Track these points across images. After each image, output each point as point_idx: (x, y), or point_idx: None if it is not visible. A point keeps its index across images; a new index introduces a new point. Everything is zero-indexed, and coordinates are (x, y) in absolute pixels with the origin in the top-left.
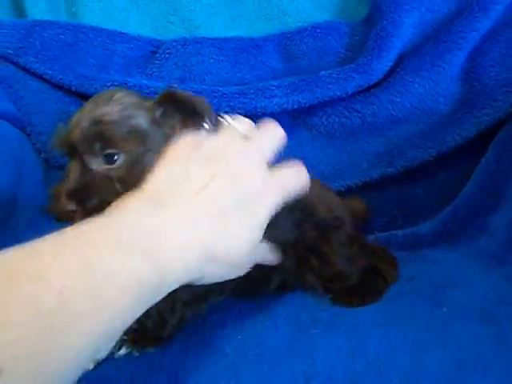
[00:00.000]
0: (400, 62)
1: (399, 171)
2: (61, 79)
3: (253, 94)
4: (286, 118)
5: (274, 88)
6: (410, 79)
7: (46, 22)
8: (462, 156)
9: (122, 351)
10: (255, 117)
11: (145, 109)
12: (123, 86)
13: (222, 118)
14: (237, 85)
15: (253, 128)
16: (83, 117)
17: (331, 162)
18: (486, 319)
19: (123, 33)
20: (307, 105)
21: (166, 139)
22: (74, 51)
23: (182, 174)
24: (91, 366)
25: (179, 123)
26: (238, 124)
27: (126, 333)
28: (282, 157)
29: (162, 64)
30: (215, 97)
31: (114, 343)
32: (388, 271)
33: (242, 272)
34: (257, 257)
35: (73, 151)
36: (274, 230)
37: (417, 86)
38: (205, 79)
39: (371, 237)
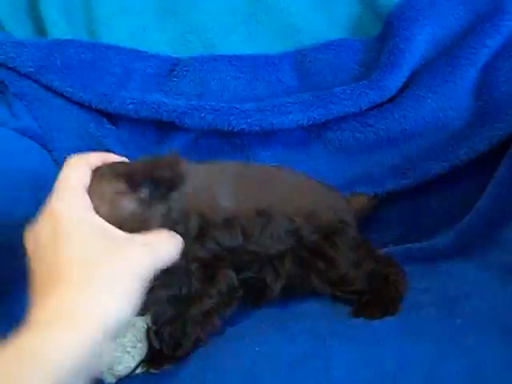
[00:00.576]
0: (413, 77)
1: (413, 184)
2: (81, 97)
3: (269, 110)
4: (300, 133)
5: (289, 104)
6: (423, 94)
7: (66, 40)
8: (476, 170)
9: (139, 370)
10: (272, 133)
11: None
12: (143, 103)
13: None
14: (253, 101)
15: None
16: None
17: (345, 175)
18: (502, 330)
19: (141, 51)
20: (322, 120)
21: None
22: (94, 69)
23: None
24: (113, 381)
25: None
26: None
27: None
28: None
29: (179, 81)
30: (232, 114)
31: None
32: (399, 280)
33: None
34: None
35: None
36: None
37: (429, 100)
38: (222, 96)
39: (386, 250)
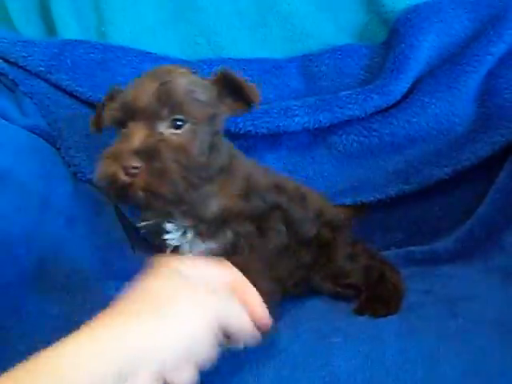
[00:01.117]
0: (417, 83)
1: (416, 188)
2: (90, 96)
3: (276, 113)
4: (306, 137)
5: (295, 108)
6: (427, 100)
7: (76, 41)
8: (477, 175)
9: None
10: (278, 135)
11: (204, 87)
12: None
13: None
14: (260, 104)
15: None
16: (147, 84)
17: (349, 179)
18: (502, 330)
19: (151, 52)
20: (328, 124)
21: (217, 120)
22: (103, 69)
23: None
24: None
25: (230, 105)
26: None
27: None
28: (300, 175)
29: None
30: (239, 116)
31: None
32: (394, 276)
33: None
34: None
35: (136, 115)
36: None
37: (433, 106)
38: None
39: (388, 252)
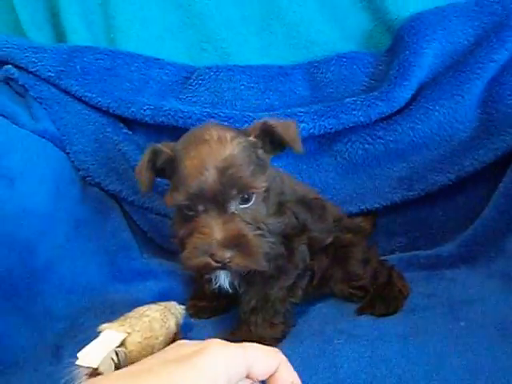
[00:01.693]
0: (421, 90)
1: (420, 195)
2: (99, 101)
3: (281, 119)
4: (312, 145)
5: (301, 114)
6: (431, 107)
7: (86, 47)
8: (480, 180)
9: None
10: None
11: (253, 145)
12: (159, 110)
13: None
14: (266, 110)
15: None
16: (209, 165)
17: (353, 186)
18: (504, 333)
19: (158, 59)
20: (333, 130)
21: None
22: (112, 75)
23: None
24: None
25: (271, 151)
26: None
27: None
28: (306, 183)
29: (195, 89)
30: (245, 122)
31: None
32: (401, 282)
33: None
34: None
35: (206, 201)
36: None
37: (437, 113)
38: (236, 105)
39: (393, 256)
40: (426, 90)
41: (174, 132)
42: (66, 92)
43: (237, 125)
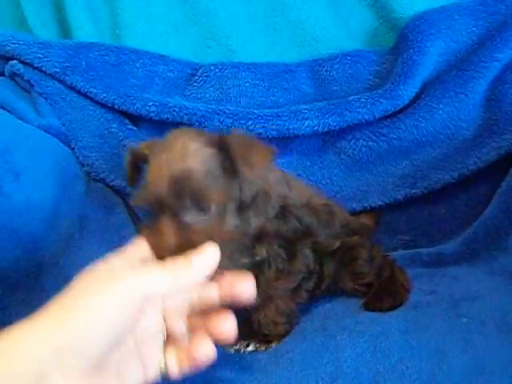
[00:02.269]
0: (425, 88)
1: (423, 193)
2: (104, 97)
3: (286, 116)
4: (316, 142)
5: (305, 111)
6: (435, 105)
7: (91, 43)
8: (483, 179)
9: (250, 348)
10: (288, 140)
11: (218, 158)
12: (164, 106)
13: None
14: (271, 108)
15: None
16: (164, 171)
17: (357, 183)
18: (506, 329)
19: (164, 55)
20: (337, 128)
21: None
22: (117, 71)
23: None
24: None
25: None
26: None
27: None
28: (310, 180)
29: (199, 86)
30: (250, 119)
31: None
32: (403, 276)
33: None
34: None
35: (162, 206)
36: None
37: (441, 111)
38: (240, 102)
39: (395, 254)
40: (430, 89)
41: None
42: (72, 88)
43: (242, 122)
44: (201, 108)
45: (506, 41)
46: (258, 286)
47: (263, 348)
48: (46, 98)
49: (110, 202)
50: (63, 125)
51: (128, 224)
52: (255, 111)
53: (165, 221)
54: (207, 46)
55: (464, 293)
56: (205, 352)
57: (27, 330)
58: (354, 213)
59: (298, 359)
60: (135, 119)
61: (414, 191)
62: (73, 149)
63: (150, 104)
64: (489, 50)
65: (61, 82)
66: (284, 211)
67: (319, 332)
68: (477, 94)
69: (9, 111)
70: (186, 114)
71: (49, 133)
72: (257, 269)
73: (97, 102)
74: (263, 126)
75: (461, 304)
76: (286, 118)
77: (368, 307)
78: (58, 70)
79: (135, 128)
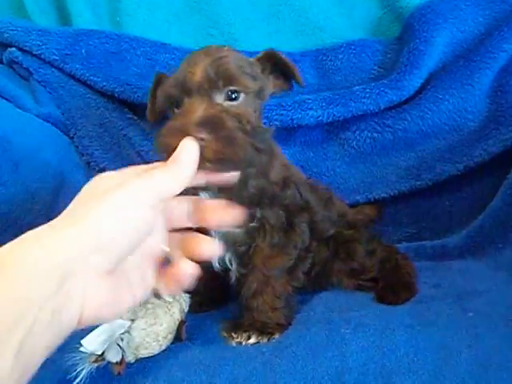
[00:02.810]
0: (431, 79)
1: (427, 184)
2: (104, 86)
3: (289, 106)
4: (319, 133)
5: (309, 101)
6: (440, 96)
7: (91, 31)
8: (489, 171)
9: (252, 340)
10: (291, 131)
11: (250, 63)
12: None
13: None
14: (274, 97)
15: None
16: (200, 60)
17: (361, 175)
18: (511, 323)
19: (165, 43)
20: (341, 118)
21: (264, 94)
22: (118, 60)
23: None
24: (132, 361)
25: (273, 82)
26: None
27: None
28: (313, 171)
29: None
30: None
31: None
32: (407, 264)
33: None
34: None
35: (192, 91)
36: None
37: (446, 103)
38: None
39: (400, 246)
40: (436, 79)
41: None
42: (71, 76)
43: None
44: None
45: None
46: (254, 266)
47: (265, 340)
48: (44, 86)
49: None
50: (62, 113)
51: None
52: None
53: (193, 101)
54: (209, 34)
55: (469, 287)
56: (185, 270)
57: (51, 231)
58: (357, 204)
59: (303, 353)
60: (136, 108)
61: (418, 183)
62: (72, 138)
63: None
64: (496, 40)
65: (60, 69)
66: (285, 180)
67: (323, 325)
68: (483, 85)
69: (7, 99)
70: None
71: (48, 121)
72: (250, 240)
73: (97, 91)
74: (266, 116)
75: (466, 298)
76: (290, 108)
77: (382, 301)
78: (57, 58)
79: (135, 117)
